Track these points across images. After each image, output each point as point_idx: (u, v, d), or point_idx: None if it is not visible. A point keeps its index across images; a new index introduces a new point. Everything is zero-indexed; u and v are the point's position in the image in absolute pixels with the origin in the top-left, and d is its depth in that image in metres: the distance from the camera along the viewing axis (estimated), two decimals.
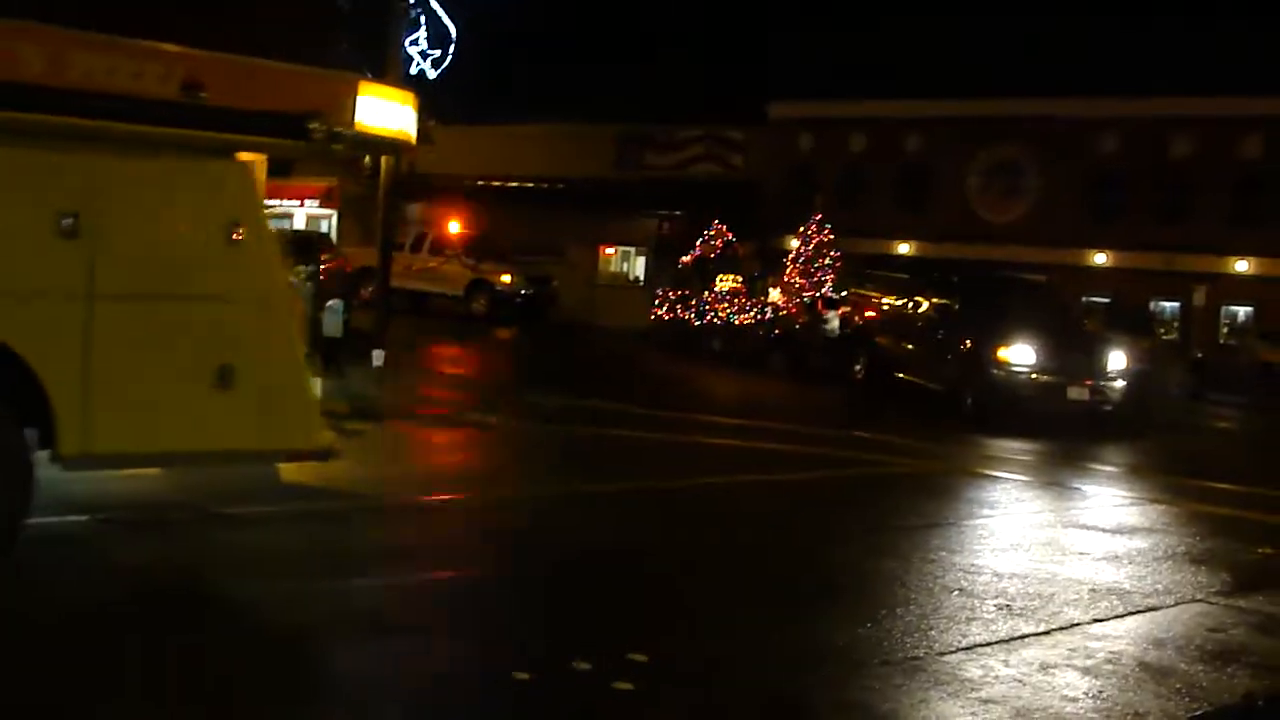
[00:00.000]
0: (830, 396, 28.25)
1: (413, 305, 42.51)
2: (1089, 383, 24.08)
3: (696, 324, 37.50)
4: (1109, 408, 24.31)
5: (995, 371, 24.03)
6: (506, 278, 43.17)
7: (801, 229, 38.59)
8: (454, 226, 45.78)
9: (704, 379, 32.48)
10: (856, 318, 30.81)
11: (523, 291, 43.34)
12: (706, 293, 37.65)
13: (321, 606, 9.30)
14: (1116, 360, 24.88)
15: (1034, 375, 23.84)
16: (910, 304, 28.38)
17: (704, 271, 38.52)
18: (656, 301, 39.43)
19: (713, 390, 30.43)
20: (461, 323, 40.63)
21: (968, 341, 24.98)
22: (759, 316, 36.15)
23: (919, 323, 27.46)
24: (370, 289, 26.92)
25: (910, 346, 27.52)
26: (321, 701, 7.48)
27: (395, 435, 18.55)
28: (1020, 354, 24.10)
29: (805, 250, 37.88)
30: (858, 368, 29.32)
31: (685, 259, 40.12)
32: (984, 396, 24.04)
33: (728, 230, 39.85)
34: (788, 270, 37.96)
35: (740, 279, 37.88)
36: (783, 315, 35.62)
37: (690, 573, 11.41)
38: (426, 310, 42.87)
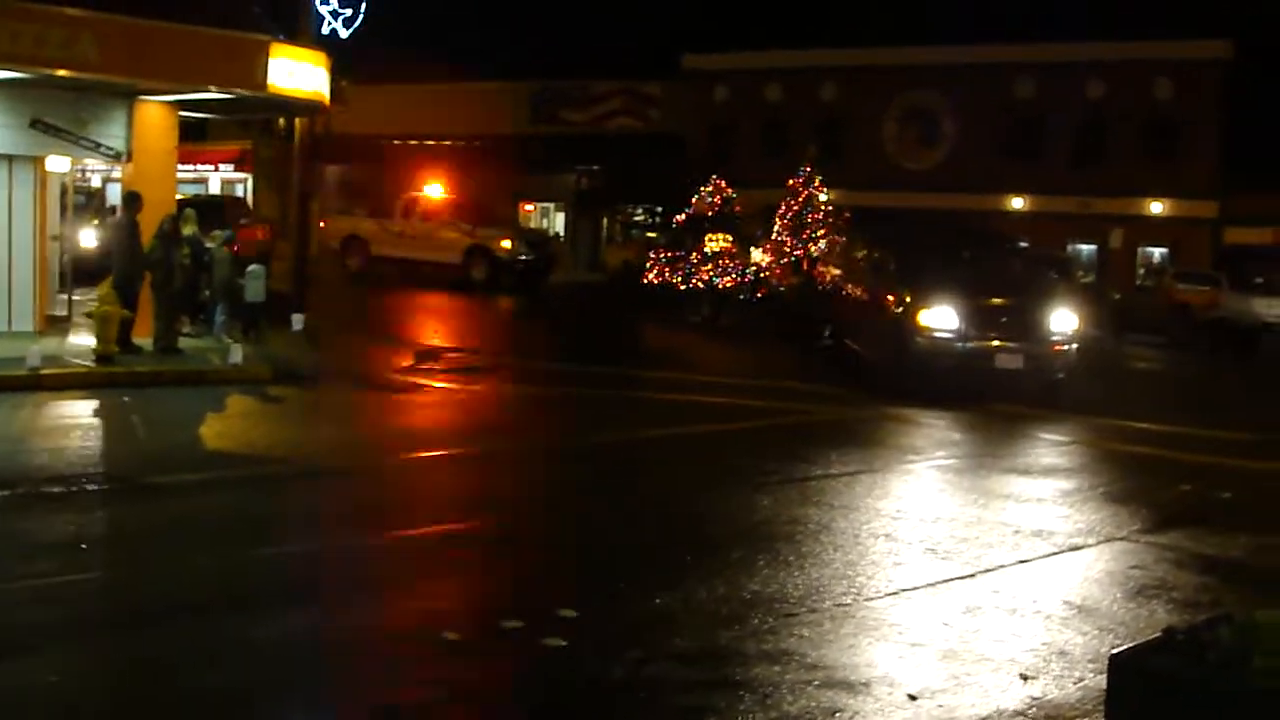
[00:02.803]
0: (790, 364, 25.21)
1: (405, 274, 40.94)
2: (1022, 349, 20.53)
3: (682, 288, 34.76)
4: (1059, 376, 21.04)
5: (916, 339, 20.71)
6: (506, 243, 41.01)
7: (790, 182, 35.27)
8: (436, 190, 43.81)
9: (669, 342, 31.27)
10: (825, 279, 27.49)
11: (523, 256, 41.22)
12: (695, 254, 34.88)
13: (246, 573, 9.25)
14: (1061, 321, 21.17)
15: (957, 342, 20.55)
16: (865, 264, 24.70)
17: (697, 231, 35.41)
18: (648, 265, 36.17)
19: (681, 354, 29.68)
20: (459, 292, 38.81)
21: (895, 305, 21.50)
22: (741, 279, 33.84)
23: (863, 285, 23.80)
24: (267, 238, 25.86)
25: (855, 311, 24.00)
26: (248, 668, 7.43)
27: (315, 399, 18.45)
28: (940, 317, 20.74)
29: (793, 205, 34.69)
30: (826, 334, 25.98)
31: (679, 217, 36.93)
32: (907, 368, 20.80)
33: (726, 186, 36.33)
34: (775, 228, 34.93)
35: (731, 239, 34.88)
36: (764, 277, 33.47)
37: (614, 527, 11.43)
38: (421, 279, 40.77)
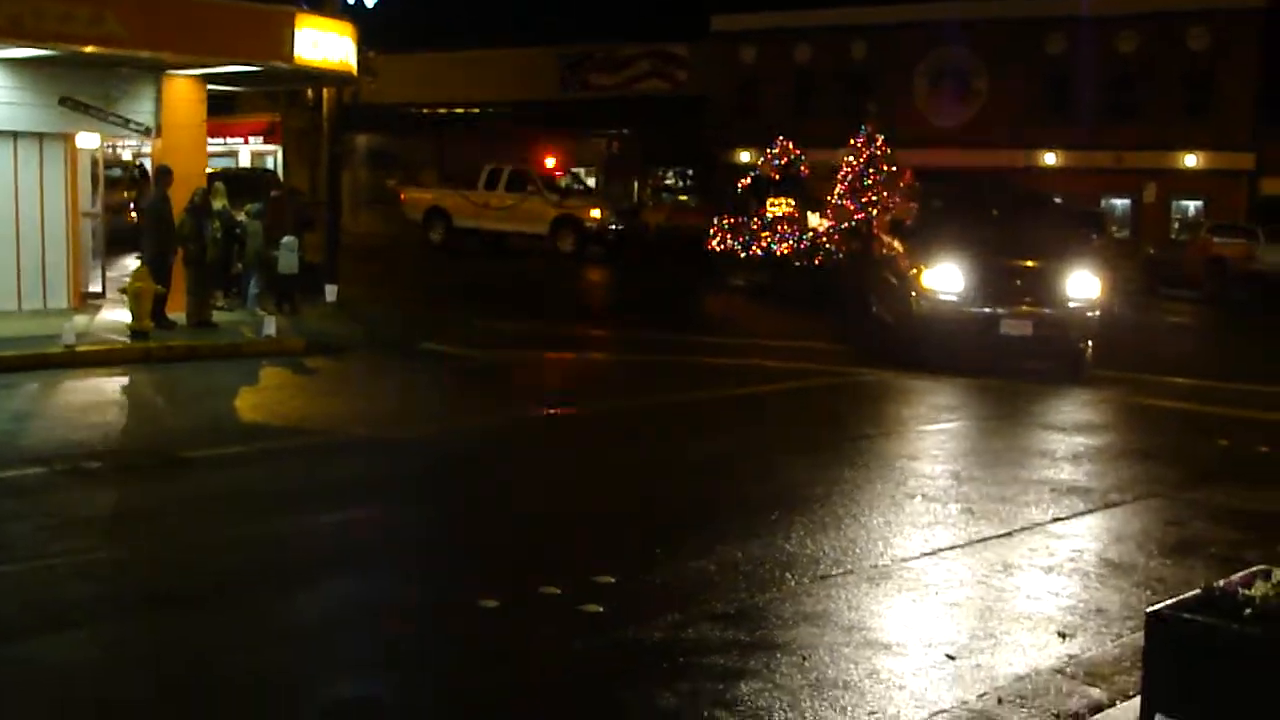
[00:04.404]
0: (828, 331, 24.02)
1: (491, 246, 40.94)
2: (1032, 314, 18.96)
3: (742, 255, 33.07)
4: (1079, 345, 19.04)
5: (921, 302, 19.43)
6: (596, 212, 40.37)
7: (851, 140, 33.26)
8: (521, 161, 42.93)
9: (714, 308, 30.90)
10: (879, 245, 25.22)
11: (612, 226, 40.55)
12: (755, 220, 33.16)
13: (292, 544, 9.30)
14: (1081, 285, 19.34)
15: (962, 305, 19.09)
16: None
17: (761, 194, 33.62)
18: (711, 231, 34.20)
19: (728, 321, 29.28)
20: (548, 262, 38.31)
21: (908, 266, 20.30)
22: (798, 245, 32.05)
23: (892, 248, 22.27)
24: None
25: (883, 275, 22.50)
26: (299, 638, 7.48)
27: (348, 370, 18.51)
28: (944, 278, 19.31)
29: (855, 166, 32.62)
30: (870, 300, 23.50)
31: (744, 180, 34.95)
32: (913, 333, 19.58)
33: (791, 145, 33.97)
34: (834, 191, 32.93)
35: (794, 203, 33.08)
36: (822, 244, 31.70)
37: (652, 490, 11.45)
38: (508, 251, 40.78)
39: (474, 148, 49.98)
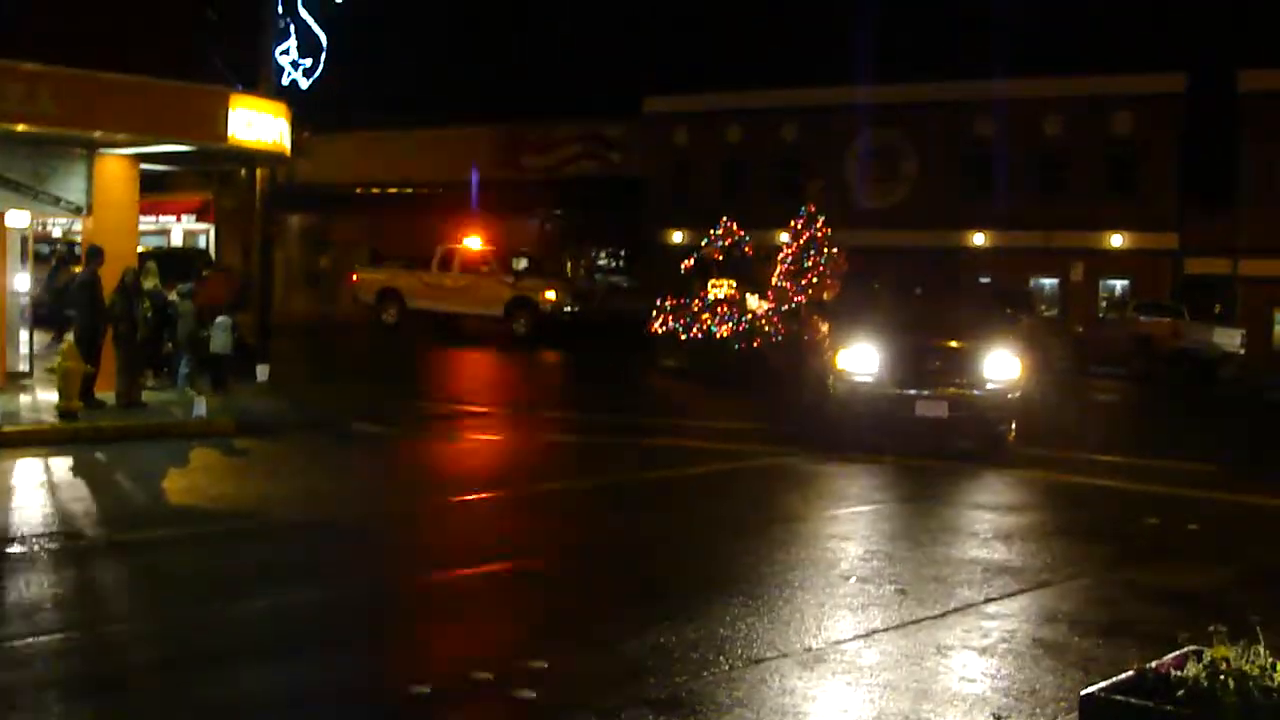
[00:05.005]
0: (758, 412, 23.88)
1: (442, 328, 40.10)
2: (948, 395, 18.53)
3: (683, 337, 32.37)
4: (1000, 429, 18.73)
5: (836, 383, 19.07)
6: (551, 294, 39.70)
7: (792, 223, 32.90)
8: (475, 242, 42.20)
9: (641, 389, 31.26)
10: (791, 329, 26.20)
11: (568, 308, 39.96)
12: (697, 301, 32.69)
13: (223, 629, 9.18)
14: (1000, 366, 18.85)
15: (875, 387, 18.69)
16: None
17: (704, 276, 33.19)
18: (654, 313, 33.53)
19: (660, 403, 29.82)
20: (499, 346, 37.67)
21: (826, 347, 20.13)
22: (736, 328, 31.55)
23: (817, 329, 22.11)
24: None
25: (808, 357, 22.59)
26: None
27: (277, 451, 18.36)
28: (858, 359, 18.94)
29: (793, 248, 32.32)
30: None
31: (687, 262, 34.48)
32: (829, 415, 19.28)
33: (735, 225, 33.59)
34: (776, 272, 32.56)
35: (735, 285, 32.48)
36: (760, 326, 31.30)
37: (584, 572, 11.40)
38: (459, 333, 40.01)
39: (407, 226, 49.97)
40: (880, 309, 20.14)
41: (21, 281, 21.85)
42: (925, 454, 18.23)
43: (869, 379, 18.76)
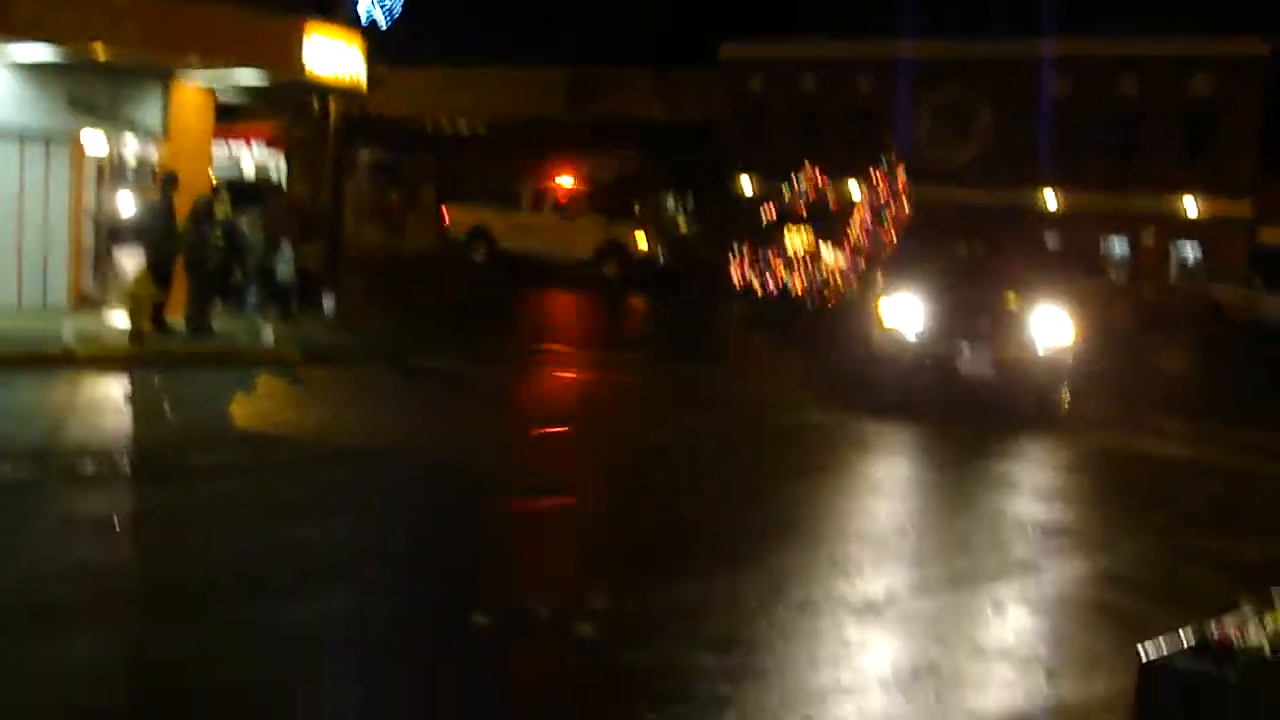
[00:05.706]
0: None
1: (530, 271, 37.62)
2: (996, 355, 17.26)
3: (759, 290, 31.38)
4: (1052, 391, 17.70)
5: (877, 335, 17.99)
6: (643, 238, 37.91)
7: (872, 173, 31.49)
8: (567, 181, 40.27)
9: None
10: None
11: (660, 256, 38.13)
12: (774, 252, 31.63)
13: (284, 554, 9.28)
14: (1053, 328, 17.65)
15: (919, 343, 17.56)
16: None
17: (783, 225, 32.28)
18: (731, 262, 32.43)
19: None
20: (587, 290, 35.71)
21: (873, 297, 19.04)
22: (812, 284, 30.54)
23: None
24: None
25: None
26: (285, 648, 7.47)
27: (340, 380, 18.49)
28: (899, 310, 17.82)
29: (872, 201, 31.03)
30: None
31: (768, 211, 33.59)
32: (871, 371, 18.31)
33: (821, 175, 32.67)
34: (854, 225, 31.06)
35: (814, 237, 31.51)
36: (837, 281, 30.14)
37: (643, 512, 11.45)
38: (543, 277, 37.35)
39: (478, 165, 49.89)
40: (934, 261, 19.33)
41: (101, 204, 22.05)
42: (971, 415, 17.42)
43: (912, 333, 17.67)
